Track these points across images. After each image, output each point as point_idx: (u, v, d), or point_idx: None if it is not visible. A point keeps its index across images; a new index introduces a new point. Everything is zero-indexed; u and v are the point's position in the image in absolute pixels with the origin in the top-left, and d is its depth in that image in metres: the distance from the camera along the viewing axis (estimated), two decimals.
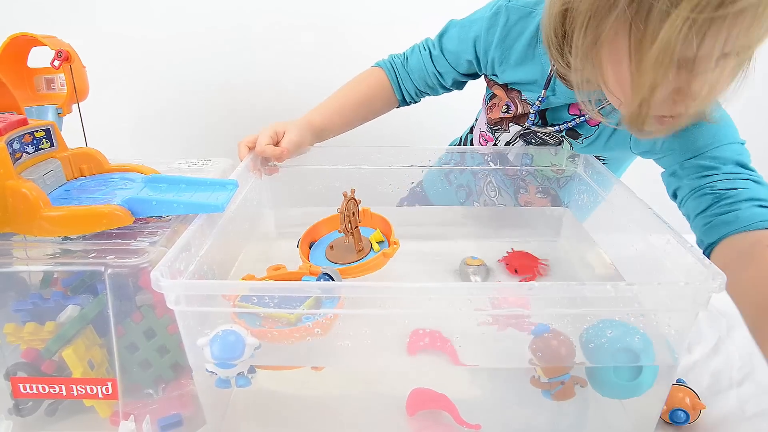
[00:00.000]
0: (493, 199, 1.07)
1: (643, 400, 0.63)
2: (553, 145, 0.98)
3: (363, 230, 0.85)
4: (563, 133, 0.95)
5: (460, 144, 1.21)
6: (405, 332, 0.63)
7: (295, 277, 0.77)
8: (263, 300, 0.59)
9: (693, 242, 0.62)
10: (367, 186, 0.88)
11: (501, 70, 0.93)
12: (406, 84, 1.03)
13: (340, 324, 0.61)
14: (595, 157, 0.95)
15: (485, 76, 1.01)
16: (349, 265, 0.79)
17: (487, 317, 0.62)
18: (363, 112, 1.03)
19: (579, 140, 0.94)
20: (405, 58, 1.03)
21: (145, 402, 0.65)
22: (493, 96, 1.02)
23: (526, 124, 0.96)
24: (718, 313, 0.88)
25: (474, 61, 0.97)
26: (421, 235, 0.93)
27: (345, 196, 0.80)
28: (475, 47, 0.95)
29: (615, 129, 0.90)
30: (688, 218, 0.79)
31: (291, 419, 0.69)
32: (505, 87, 0.97)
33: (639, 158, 0.97)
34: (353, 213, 0.81)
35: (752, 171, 0.76)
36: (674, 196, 0.82)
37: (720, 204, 0.73)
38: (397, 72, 1.03)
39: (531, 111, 0.94)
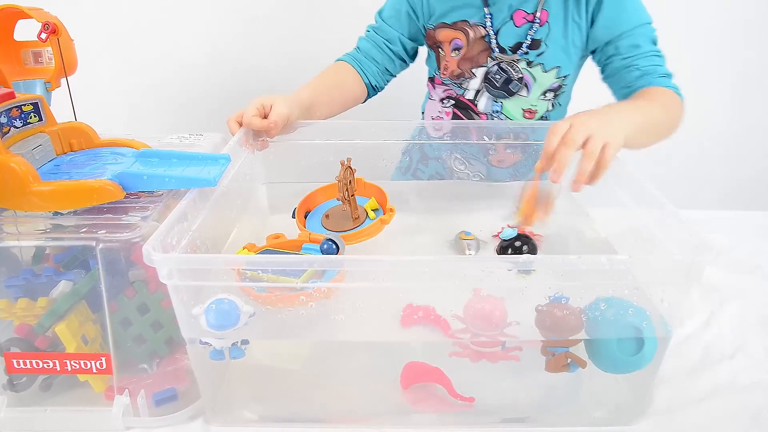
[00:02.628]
0: (466, 171, 1.09)
1: (635, 373, 0.63)
2: (516, 79, 1.02)
3: (357, 199, 0.86)
4: (527, 51, 1.00)
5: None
6: (399, 305, 0.63)
7: (295, 244, 0.77)
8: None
9: (686, 215, 0.62)
10: (361, 161, 0.87)
11: (439, 2, 1.01)
12: (367, 67, 1.09)
13: (335, 297, 0.61)
14: (559, 80, 1.03)
15: (427, 34, 1.06)
16: (348, 232, 0.80)
17: (458, 348, 0.64)
18: (342, 94, 1.07)
19: (542, 47, 1.00)
20: (357, 48, 1.11)
21: (139, 377, 0.65)
22: (439, 54, 1.07)
23: (487, 42, 1.01)
24: (710, 287, 0.88)
25: (411, 13, 1.05)
26: (415, 209, 0.93)
27: (342, 164, 0.81)
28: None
29: (570, 19, 0.99)
30: (613, 88, 1.00)
31: (285, 393, 0.69)
32: (447, 24, 1.02)
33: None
34: (350, 181, 0.82)
35: (657, 48, 0.97)
36: (603, 70, 1.01)
37: (644, 78, 0.94)
38: (356, 59, 1.09)
39: (487, 30, 1.00)
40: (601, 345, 0.62)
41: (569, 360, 0.62)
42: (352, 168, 0.83)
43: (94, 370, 0.63)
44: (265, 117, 0.89)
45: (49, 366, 0.63)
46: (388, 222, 0.81)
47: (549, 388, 0.68)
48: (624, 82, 0.96)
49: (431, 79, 1.13)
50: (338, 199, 0.82)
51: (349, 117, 1.07)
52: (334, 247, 0.72)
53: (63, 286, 0.63)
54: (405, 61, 1.13)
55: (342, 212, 0.85)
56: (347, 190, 0.82)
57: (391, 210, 0.83)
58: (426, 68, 1.15)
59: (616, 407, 0.68)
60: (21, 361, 0.63)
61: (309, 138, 0.94)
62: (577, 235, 0.93)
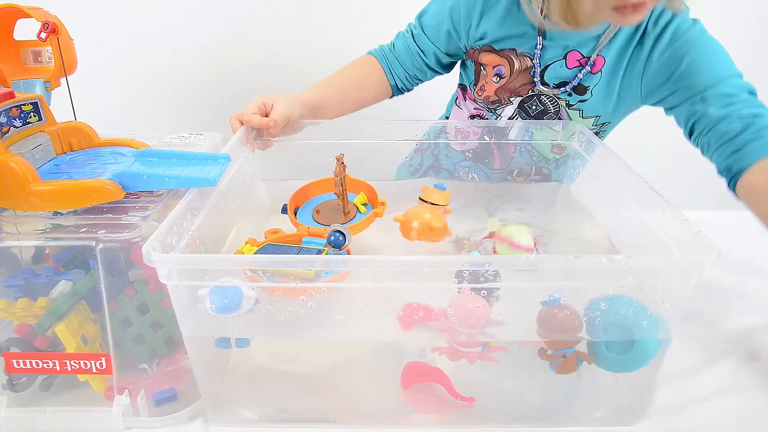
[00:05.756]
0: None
1: (636, 373, 0.63)
2: (552, 112, 0.98)
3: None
4: (570, 93, 0.96)
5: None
6: (399, 305, 0.63)
7: (296, 238, 0.77)
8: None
9: (688, 216, 0.61)
10: (361, 160, 0.87)
11: (488, 25, 0.95)
12: (396, 69, 1.05)
13: (334, 296, 0.61)
14: (596, 127, 0.98)
15: (468, 52, 1.01)
16: (346, 225, 0.80)
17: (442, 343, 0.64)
18: (358, 92, 1.03)
19: (587, 95, 0.95)
20: (392, 44, 1.06)
21: (139, 377, 0.65)
22: (478, 75, 1.02)
23: (531, 76, 0.96)
24: (712, 287, 0.88)
25: (453, 32, 0.99)
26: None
27: (338, 159, 0.82)
28: (451, 16, 0.97)
29: (623, 73, 0.92)
30: (710, 147, 0.84)
31: (285, 393, 0.69)
32: (494, 50, 0.97)
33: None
34: (344, 176, 0.83)
35: (758, 99, 0.83)
36: (692, 128, 0.87)
37: (749, 130, 0.79)
38: (387, 58, 1.05)
39: (534, 62, 0.95)
40: (594, 343, 0.63)
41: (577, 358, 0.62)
42: (344, 164, 0.83)
43: (94, 370, 0.63)
44: (266, 115, 0.89)
45: (49, 366, 0.63)
46: (381, 215, 0.81)
47: (549, 388, 0.68)
48: (724, 138, 0.82)
49: (463, 87, 1.09)
50: (335, 194, 0.83)
51: (352, 115, 1.07)
52: (341, 238, 0.72)
53: (63, 286, 0.63)
54: (438, 72, 1.08)
55: (332, 207, 0.86)
56: (342, 185, 0.82)
57: (383, 204, 0.83)
58: (454, 69, 1.11)
59: (616, 407, 0.68)
60: (21, 361, 0.63)
61: (310, 137, 0.94)
62: (578, 235, 0.93)
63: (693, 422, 0.66)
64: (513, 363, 0.67)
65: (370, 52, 1.07)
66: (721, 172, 0.84)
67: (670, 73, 0.88)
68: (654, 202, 0.68)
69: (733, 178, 0.81)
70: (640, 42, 0.91)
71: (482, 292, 0.59)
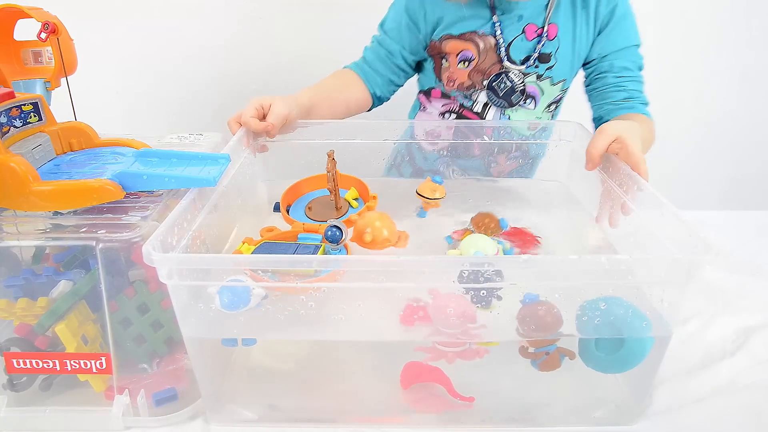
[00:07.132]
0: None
1: (635, 372, 0.63)
2: (519, 91, 1.04)
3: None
4: (537, 65, 1.03)
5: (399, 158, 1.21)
6: (399, 305, 0.63)
7: (291, 235, 0.77)
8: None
9: (688, 216, 0.62)
10: (360, 159, 0.87)
11: (442, 9, 1.02)
12: (372, 77, 1.10)
13: (334, 296, 0.61)
14: (562, 92, 1.07)
15: (430, 46, 1.06)
16: (342, 219, 0.80)
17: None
18: (346, 98, 1.08)
19: (552, 61, 1.02)
20: (363, 57, 1.12)
21: (139, 377, 0.65)
22: (439, 70, 1.08)
23: (498, 54, 1.02)
24: (712, 287, 0.88)
25: (412, 25, 1.06)
26: (414, 208, 0.92)
27: (329, 156, 0.82)
28: (407, 11, 1.05)
29: (577, 33, 1.02)
30: (595, 100, 1.06)
31: (285, 393, 0.69)
32: (454, 36, 1.03)
33: None
34: (335, 172, 0.83)
35: (641, 74, 1.04)
36: (591, 81, 1.06)
37: (627, 101, 1.02)
38: (362, 69, 1.10)
39: (498, 38, 1.01)
40: (583, 344, 0.63)
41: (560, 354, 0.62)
42: (335, 159, 0.84)
43: (94, 370, 0.63)
44: (264, 117, 0.89)
45: (49, 366, 0.63)
46: (374, 208, 0.82)
47: (549, 388, 0.68)
48: (610, 99, 1.03)
49: (426, 92, 1.13)
50: (328, 190, 0.84)
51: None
52: (338, 233, 0.72)
53: (63, 286, 0.63)
54: (408, 73, 1.13)
55: (324, 203, 0.87)
56: (333, 180, 0.83)
57: (374, 197, 0.84)
58: (414, 80, 1.15)
59: (616, 407, 0.68)
60: (21, 360, 0.63)
61: (308, 138, 0.94)
62: (576, 235, 0.93)
63: (693, 422, 0.66)
64: (512, 363, 0.67)
65: (345, 66, 1.11)
66: (594, 119, 1.07)
67: (608, 20, 1.02)
68: (653, 202, 0.68)
69: (599, 121, 1.04)
70: (584, 3, 1.01)
71: (482, 292, 0.59)
